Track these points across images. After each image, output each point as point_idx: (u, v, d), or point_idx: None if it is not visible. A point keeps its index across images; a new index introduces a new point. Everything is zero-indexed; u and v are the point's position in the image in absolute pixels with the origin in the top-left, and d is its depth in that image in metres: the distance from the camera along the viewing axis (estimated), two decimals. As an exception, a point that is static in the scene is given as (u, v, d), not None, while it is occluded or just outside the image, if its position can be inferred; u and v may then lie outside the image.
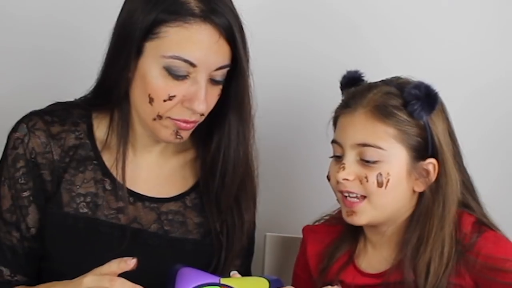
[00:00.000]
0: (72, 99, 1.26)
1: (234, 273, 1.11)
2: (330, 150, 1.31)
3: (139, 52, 1.12)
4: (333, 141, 1.22)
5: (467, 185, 1.24)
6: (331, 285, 1.15)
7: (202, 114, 1.15)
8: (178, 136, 1.16)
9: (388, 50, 1.64)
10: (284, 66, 1.62)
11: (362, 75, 1.26)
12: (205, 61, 1.11)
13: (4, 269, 1.16)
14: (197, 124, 1.16)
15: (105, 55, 1.19)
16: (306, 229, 1.33)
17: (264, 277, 1.11)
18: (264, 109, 1.47)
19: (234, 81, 1.18)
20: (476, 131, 1.33)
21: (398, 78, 1.22)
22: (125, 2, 1.16)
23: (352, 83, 1.25)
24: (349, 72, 1.26)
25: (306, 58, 1.63)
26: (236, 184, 1.25)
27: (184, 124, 1.14)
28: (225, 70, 1.15)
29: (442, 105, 1.21)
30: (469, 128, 1.31)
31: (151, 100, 1.12)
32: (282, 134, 1.67)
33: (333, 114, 1.25)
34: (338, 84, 1.38)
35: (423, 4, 1.64)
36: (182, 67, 1.11)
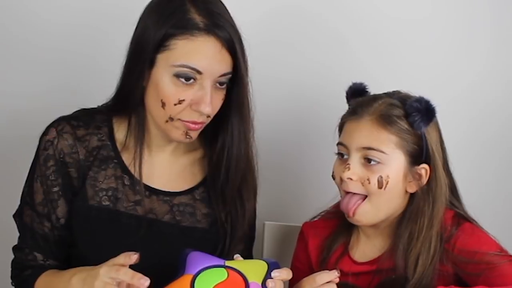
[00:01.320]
0: (92, 100, 1.32)
1: (237, 256, 1.17)
2: (324, 149, 1.40)
3: (151, 63, 1.18)
4: (339, 143, 1.27)
5: (452, 187, 1.30)
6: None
7: (208, 116, 1.21)
8: (187, 136, 1.22)
9: (372, 60, 1.69)
10: (280, 74, 1.68)
11: (366, 87, 1.32)
12: (209, 68, 1.17)
13: (37, 254, 1.22)
14: (204, 125, 1.22)
15: (122, 67, 1.25)
16: (306, 226, 1.38)
17: (264, 260, 1.17)
18: (266, 111, 1.56)
19: (235, 87, 1.23)
20: (456, 135, 1.38)
21: (398, 92, 1.28)
22: (139, 20, 1.22)
23: (357, 93, 1.32)
24: (354, 84, 1.32)
25: (300, 66, 1.68)
26: (239, 178, 1.30)
27: (192, 125, 1.20)
28: (227, 77, 1.21)
29: (435, 118, 1.27)
30: (450, 132, 1.36)
31: (163, 105, 1.18)
32: (281, 135, 1.73)
33: (339, 120, 1.30)
34: (327, 89, 1.49)
35: (405, 19, 1.70)
36: (190, 74, 1.17)
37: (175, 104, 1.18)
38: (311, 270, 1.32)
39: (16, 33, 1.64)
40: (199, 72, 1.17)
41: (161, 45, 1.17)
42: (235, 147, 1.28)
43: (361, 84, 1.32)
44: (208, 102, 1.17)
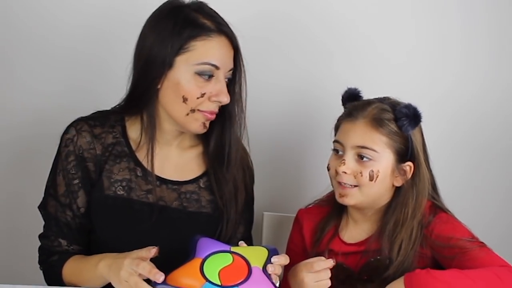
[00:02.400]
0: (105, 99, 1.39)
1: (241, 243, 1.21)
2: (318, 147, 1.49)
3: (170, 67, 1.24)
4: (336, 141, 1.34)
5: (432, 182, 1.35)
6: (325, 257, 1.26)
7: (224, 104, 1.28)
8: (204, 127, 1.29)
9: (352, 68, 1.78)
10: (274, 80, 1.75)
11: (360, 92, 1.38)
12: (223, 63, 1.26)
13: (62, 240, 1.28)
14: (215, 114, 1.30)
15: (132, 72, 1.30)
16: (301, 212, 1.45)
17: (264, 247, 1.21)
18: (266, 115, 1.73)
19: (233, 80, 1.31)
20: (433, 136, 1.43)
21: (388, 98, 1.35)
22: (146, 32, 1.28)
23: (352, 97, 1.38)
24: (349, 89, 1.39)
25: (289, 73, 1.77)
26: (237, 166, 1.37)
27: (209, 115, 1.27)
28: (231, 72, 1.30)
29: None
30: (428, 133, 1.40)
31: (185, 100, 1.25)
32: (279, 134, 1.80)
33: (335, 121, 1.37)
34: (315, 92, 1.58)
35: (383, 34, 1.79)
36: (209, 70, 1.24)
37: (197, 98, 1.24)
38: (304, 252, 1.40)
39: (37, 36, 1.67)
40: (217, 68, 1.24)
41: (181, 48, 1.23)
42: (228, 131, 1.35)
43: (355, 89, 1.38)
44: (226, 92, 1.26)
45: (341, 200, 1.32)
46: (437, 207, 1.33)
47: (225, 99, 1.26)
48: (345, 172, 1.28)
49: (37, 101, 1.70)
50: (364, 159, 1.28)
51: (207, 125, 1.30)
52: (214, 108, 1.27)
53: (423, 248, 1.28)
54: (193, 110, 1.26)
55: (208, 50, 1.24)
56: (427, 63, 1.83)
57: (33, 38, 1.67)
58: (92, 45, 1.69)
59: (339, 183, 1.31)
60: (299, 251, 1.41)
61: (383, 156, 1.28)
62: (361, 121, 1.29)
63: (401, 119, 1.27)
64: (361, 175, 1.28)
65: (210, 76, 1.25)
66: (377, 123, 1.28)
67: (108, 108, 1.38)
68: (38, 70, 1.68)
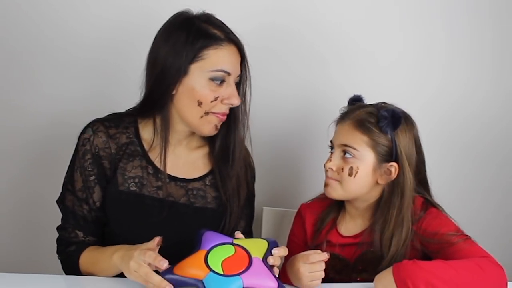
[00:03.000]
0: (119, 103, 1.42)
1: (237, 232, 1.24)
2: (315, 146, 1.54)
3: (185, 74, 1.28)
4: (330, 141, 1.38)
5: (424, 182, 1.38)
6: (322, 250, 1.28)
7: (235, 106, 1.32)
8: (216, 129, 1.33)
9: (345, 76, 1.84)
10: (274, 86, 1.81)
11: (363, 98, 1.42)
12: (234, 69, 1.30)
13: (79, 232, 1.31)
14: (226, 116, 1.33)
15: (147, 79, 1.33)
16: (303, 206, 1.48)
17: (264, 239, 1.23)
18: (268, 115, 1.78)
19: (241, 82, 1.35)
20: (423, 136, 1.43)
21: (383, 103, 1.37)
22: (157, 43, 1.31)
23: (356, 101, 1.41)
24: (355, 95, 1.42)
25: (288, 79, 1.83)
26: (240, 165, 1.40)
27: (221, 117, 1.31)
28: (239, 77, 1.34)
29: (411, 125, 1.36)
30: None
31: (199, 104, 1.29)
32: (279, 135, 1.85)
33: (334, 123, 1.40)
34: (311, 96, 1.67)
35: (375, 44, 1.85)
36: (221, 76, 1.29)
37: (211, 101, 1.29)
38: (305, 244, 1.43)
39: (57, 47, 1.71)
40: (228, 74, 1.29)
41: (195, 56, 1.27)
42: (237, 141, 1.39)
43: (359, 95, 1.42)
44: (237, 95, 1.31)
45: (325, 190, 1.36)
46: (428, 203, 1.35)
47: (236, 101, 1.31)
48: (331, 168, 1.34)
49: (55, 106, 1.74)
50: (347, 155, 1.32)
51: (219, 127, 1.33)
52: (226, 109, 1.31)
53: (414, 242, 1.31)
54: (207, 113, 1.30)
55: (220, 58, 1.28)
56: (414, 69, 1.88)
57: (54, 49, 1.71)
58: (106, 55, 1.73)
59: (326, 177, 1.36)
60: (300, 243, 1.45)
61: (364, 155, 1.32)
62: (347, 122, 1.34)
63: (381, 121, 1.31)
64: (342, 171, 1.33)
65: (222, 81, 1.29)
66: (359, 124, 1.32)
67: (121, 109, 1.40)
68: (58, 79, 1.73)
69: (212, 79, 1.28)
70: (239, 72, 1.32)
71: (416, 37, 1.87)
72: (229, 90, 1.30)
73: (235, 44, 1.31)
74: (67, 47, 1.72)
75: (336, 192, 1.35)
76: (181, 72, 1.28)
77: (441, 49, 1.88)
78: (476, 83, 1.93)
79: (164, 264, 1.10)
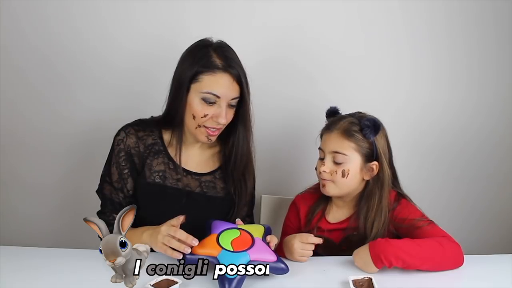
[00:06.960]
0: (143, 115, 1.52)
1: (237, 220, 1.33)
2: (308, 146, 1.60)
3: (188, 91, 1.35)
4: (319, 148, 1.45)
5: (395, 176, 1.48)
6: (314, 235, 1.36)
7: (224, 124, 1.38)
8: (209, 139, 1.40)
9: (332, 90, 1.94)
10: (274, 100, 1.92)
11: (339, 110, 1.49)
12: (225, 94, 1.35)
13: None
14: (220, 131, 1.40)
15: (168, 96, 1.42)
16: (298, 198, 1.57)
17: (261, 225, 1.34)
18: (269, 121, 1.90)
19: (241, 106, 1.42)
20: (395, 141, 1.49)
21: (359, 112, 1.44)
22: (178, 63, 1.41)
23: (332, 113, 1.49)
24: (331, 107, 1.49)
25: (284, 95, 1.94)
26: (243, 165, 1.48)
27: (211, 131, 1.38)
28: (236, 100, 1.39)
29: (383, 129, 1.43)
30: (391, 139, 1.48)
31: (194, 117, 1.35)
32: (277, 138, 1.95)
33: (320, 132, 1.47)
34: (304, 107, 1.77)
35: (356, 65, 1.94)
36: (212, 98, 1.34)
37: (201, 117, 1.35)
38: (298, 229, 1.53)
39: (95, 71, 1.85)
40: (218, 97, 1.34)
41: (193, 78, 1.34)
42: (240, 146, 1.46)
43: (335, 107, 1.50)
44: (223, 116, 1.36)
45: (323, 190, 1.45)
46: (400, 195, 1.46)
47: (223, 120, 1.35)
48: (325, 171, 1.42)
49: (93, 116, 1.86)
50: (338, 160, 1.41)
51: (212, 138, 1.39)
52: (216, 125, 1.36)
53: (389, 227, 1.42)
54: (199, 126, 1.36)
55: (212, 83, 1.33)
56: (385, 85, 1.99)
57: (92, 74, 1.84)
58: (132, 78, 1.84)
59: (322, 179, 1.45)
60: (294, 228, 1.55)
61: (352, 158, 1.41)
62: (335, 132, 1.42)
63: (364, 129, 1.39)
64: (336, 173, 1.41)
65: (212, 102, 1.34)
66: (346, 133, 1.40)
67: (148, 116, 1.52)
68: (95, 96, 1.85)
69: (204, 99, 1.34)
70: (233, 96, 1.35)
71: (388, 60, 1.97)
72: (218, 111, 1.35)
73: (230, 74, 1.33)
74: (102, 72, 1.84)
75: (333, 191, 1.43)
76: (185, 89, 1.34)
77: (407, 70, 1.99)
78: (435, 96, 2.03)
79: (196, 243, 1.17)
